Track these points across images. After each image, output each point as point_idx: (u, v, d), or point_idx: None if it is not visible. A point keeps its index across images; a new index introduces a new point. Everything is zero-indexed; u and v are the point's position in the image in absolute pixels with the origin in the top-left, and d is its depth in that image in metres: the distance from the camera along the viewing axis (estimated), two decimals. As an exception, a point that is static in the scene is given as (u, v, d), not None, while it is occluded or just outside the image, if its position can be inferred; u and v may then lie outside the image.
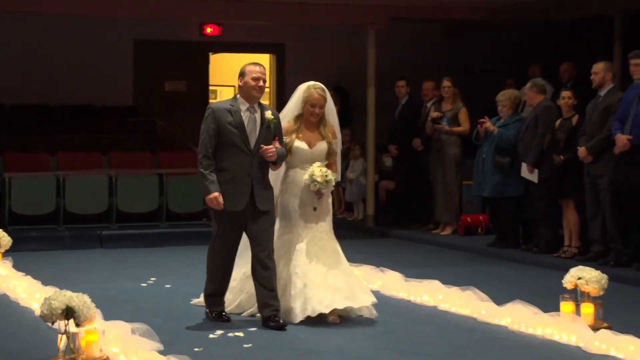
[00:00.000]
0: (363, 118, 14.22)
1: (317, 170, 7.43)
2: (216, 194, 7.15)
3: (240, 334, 7.08)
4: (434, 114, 12.61)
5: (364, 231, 13.81)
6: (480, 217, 12.84)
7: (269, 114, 7.32)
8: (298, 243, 7.57)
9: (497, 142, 11.33)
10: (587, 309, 7.17)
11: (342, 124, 15.54)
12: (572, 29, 14.52)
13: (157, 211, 12.93)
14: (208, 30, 15.25)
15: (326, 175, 7.42)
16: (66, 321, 5.95)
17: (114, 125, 15.23)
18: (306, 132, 7.66)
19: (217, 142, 7.23)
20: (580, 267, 7.37)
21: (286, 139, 7.55)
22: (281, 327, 7.16)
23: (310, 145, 7.62)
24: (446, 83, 12.69)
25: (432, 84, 13.10)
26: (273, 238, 7.49)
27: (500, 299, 7.84)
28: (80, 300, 5.96)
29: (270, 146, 7.22)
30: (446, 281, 8.66)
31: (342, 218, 14.63)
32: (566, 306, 7.21)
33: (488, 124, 11.40)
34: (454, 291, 8.30)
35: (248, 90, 7.28)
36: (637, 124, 9.51)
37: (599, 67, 10.12)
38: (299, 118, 7.69)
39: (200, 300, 7.94)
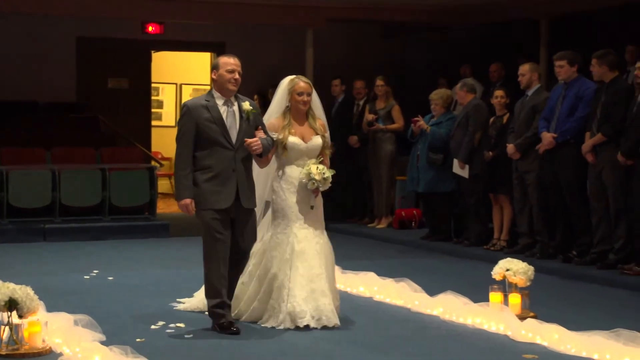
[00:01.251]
0: (301, 115, 14.19)
1: (314, 168, 7.06)
2: (188, 200, 6.67)
3: (182, 325, 7.05)
4: (368, 117, 12.70)
5: (302, 225, 13.79)
6: (414, 212, 12.94)
7: (246, 105, 6.86)
8: (296, 243, 7.04)
9: (430, 139, 11.42)
10: (515, 299, 7.27)
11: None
12: (501, 32, 14.67)
13: (100, 205, 12.80)
14: (150, 28, 15.12)
15: (324, 173, 7.08)
16: (9, 313, 5.90)
17: (57, 122, 15.04)
18: (297, 126, 7.22)
19: (197, 140, 6.72)
20: (508, 259, 7.46)
21: (279, 136, 7.10)
22: (237, 332, 6.74)
23: (305, 140, 7.20)
24: (379, 82, 12.77)
25: (362, 83, 13.20)
26: (254, 239, 7.04)
27: (432, 290, 7.91)
28: (23, 292, 5.91)
29: (254, 138, 6.77)
30: (381, 273, 8.73)
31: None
32: (495, 296, 7.28)
33: (421, 122, 11.48)
34: (388, 282, 8.36)
35: (223, 84, 6.79)
36: (561, 123, 9.66)
37: (525, 69, 10.25)
38: (287, 112, 7.26)
39: (186, 306, 7.63)
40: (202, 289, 7.12)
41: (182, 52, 17.48)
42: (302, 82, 7.24)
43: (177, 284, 8.94)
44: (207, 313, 6.93)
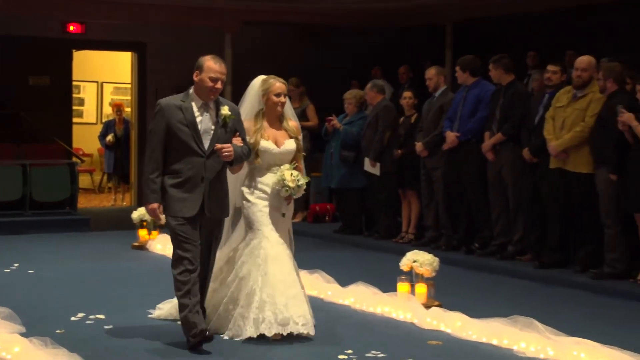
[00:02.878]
0: (220, 114, 14.15)
1: (288, 174, 6.36)
2: (155, 205, 6.02)
3: (102, 316, 6.98)
4: None
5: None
6: (328, 206, 13.00)
7: (225, 110, 6.07)
8: (269, 248, 6.35)
9: (342, 138, 11.49)
10: (421, 288, 7.37)
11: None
12: (410, 36, 14.83)
13: (20, 200, 12.55)
14: (71, 28, 14.85)
15: (298, 180, 6.36)
16: None
17: (-22, 119, 14.73)
18: (270, 129, 6.50)
19: (167, 142, 6.01)
20: (415, 251, 7.56)
21: (250, 140, 6.35)
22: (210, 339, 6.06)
23: (277, 144, 6.47)
24: (291, 86, 12.78)
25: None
26: (215, 254, 6.36)
27: (344, 281, 7.98)
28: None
29: (227, 144, 6.02)
30: (295, 265, 8.75)
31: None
32: (402, 286, 7.39)
33: (335, 121, 11.55)
34: (302, 274, 8.32)
35: (203, 90, 6.04)
36: (463, 123, 9.84)
37: (431, 72, 10.42)
38: (259, 115, 6.52)
39: (160, 313, 6.97)
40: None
41: (103, 52, 17.24)
42: (279, 83, 6.54)
43: (97, 277, 8.85)
44: (179, 323, 6.26)
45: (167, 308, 6.92)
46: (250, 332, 6.18)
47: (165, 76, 15.30)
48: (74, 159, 14.03)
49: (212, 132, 6.06)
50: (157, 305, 7.12)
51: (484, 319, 6.59)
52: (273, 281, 6.26)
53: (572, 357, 5.83)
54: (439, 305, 7.17)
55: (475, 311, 6.93)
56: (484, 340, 6.35)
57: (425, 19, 13.51)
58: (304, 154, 6.78)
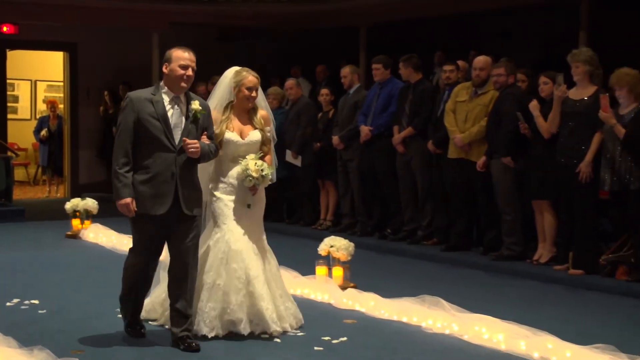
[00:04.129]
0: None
1: (252, 164, 5.75)
2: (128, 199, 5.38)
3: (36, 302, 6.85)
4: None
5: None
6: (251, 196, 12.94)
7: (195, 105, 5.51)
8: (232, 242, 5.78)
9: (264, 131, 11.46)
10: (337, 271, 7.41)
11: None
12: (327, 37, 14.87)
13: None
14: (5, 29, 14.48)
15: (262, 170, 5.75)
16: None
17: None
18: (236, 121, 5.91)
19: (136, 136, 5.42)
20: (332, 237, 7.59)
21: (215, 130, 5.80)
22: (195, 350, 5.47)
23: (242, 136, 5.88)
24: (211, 85, 12.80)
25: (204, 86, 13.18)
26: (197, 249, 5.68)
27: (265, 265, 7.97)
28: None
29: (194, 140, 5.47)
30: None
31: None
32: (320, 270, 7.43)
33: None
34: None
35: (174, 80, 5.50)
36: (376, 118, 9.93)
37: (346, 71, 10.48)
38: (228, 107, 5.94)
39: (147, 316, 6.15)
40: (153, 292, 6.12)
41: (36, 51, 16.88)
42: (252, 76, 5.91)
43: (31, 265, 8.69)
44: (151, 323, 6.04)
45: (160, 312, 6.15)
46: (205, 330, 5.73)
47: (96, 74, 15.11)
48: (9, 153, 13.74)
49: (182, 126, 5.49)
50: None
51: (395, 299, 6.68)
52: (231, 278, 5.74)
53: (475, 332, 5.94)
54: (354, 287, 7.21)
55: (387, 291, 7.00)
56: (394, 318, 6.44)
57: (341, 21, 13.57)
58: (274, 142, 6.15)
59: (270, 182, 5.96)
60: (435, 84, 10.61)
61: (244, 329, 5.76)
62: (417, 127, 9.51)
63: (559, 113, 8.04)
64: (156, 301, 6.12)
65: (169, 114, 5.48)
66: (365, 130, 9.93)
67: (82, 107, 15.40)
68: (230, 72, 6.00)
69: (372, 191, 10.17)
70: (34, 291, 7.28)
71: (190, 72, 5.51)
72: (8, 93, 16.05)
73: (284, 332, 5.92)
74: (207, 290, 5.76)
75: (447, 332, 6.07)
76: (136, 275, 5.69)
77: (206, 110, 5.66)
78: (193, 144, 5.45)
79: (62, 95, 16.42)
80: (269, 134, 6.03)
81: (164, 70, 5.56)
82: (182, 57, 5.52)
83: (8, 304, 6.78)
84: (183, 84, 5.51)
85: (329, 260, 7.46)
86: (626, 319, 6.66)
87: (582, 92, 8.00)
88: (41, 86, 18.54)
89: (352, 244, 7.46)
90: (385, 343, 5.81)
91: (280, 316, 5.93)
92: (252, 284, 5.77)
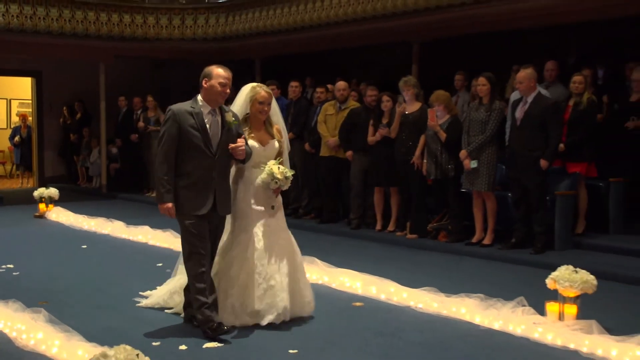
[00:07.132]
0: (97, 122, 13.66)
1: (276, 168, 4.85)
2: (169, 204, 4.57)
3: (11, 266, 6.51)
4: (141, 124, 12.43)
5: (99, 195, 13.18)
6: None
7: (229, 116, 4.72)
8: (257, 242, 4.82)
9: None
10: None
11: (85, 126, 14.50)
12: (229, 67, 14.69)
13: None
14: (-16, 59, 13.72)
15: (285, 172, 4.86)
16: None
17: None
18: (255, 131, 4.98)
19: (179, 145, 4.60)
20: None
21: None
22: (225, 332, 4.56)
23: (262, 143, 4.96)
24: (149, 98, 12.59)
25: (139, 99, 12.95)
26: (217, 248, 4.86)
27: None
28: None
29: (239, 143, 4.69)
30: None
31: (86, 187, 13.91)
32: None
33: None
34: (158, 233, 8.19)
35: (213, 95, 4.67)
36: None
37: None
38: (246, 119, 5.00)
39: (148, 302, 5.31)
40: (164, 285, 5.38)
41: (7, 77, 16.12)
42: (264, 92, 4.98)
43: (6, 238, 8.27)
44: (167, 311, 5.12)
45: (155, 297, 5.33)
46: (268, 319, 4.80)
47: (57, 94, 14.58)
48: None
49: (219, 135, 4.68)
50: (144, 293, 5.59)
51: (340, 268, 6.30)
52: (253, 274, 4.80)
53: (339, 282, 5.97)
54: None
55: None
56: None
57: (241, 55, 13.45)
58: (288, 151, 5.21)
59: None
60: (310, 101, 10.62)
61: (268, 319, 4.79)
62: (296, 133, 9.53)
63: (399, 123, 8.18)
64: (173, 290, 5.21)
65: (208, 124, 4.65)
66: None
67: (47, 119, 14.83)
68: (247, 88, 5.05)
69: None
70: (10, 258, 7.00)
71: (227, 90, 4.70)
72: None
73: (301, 321, 4.94)
74: (239, 287, 4.81)
75: (320, 282, 6.02)
76: (205, 277, 4.61)
77: (237, 120, 4.82)
78: (240, 146, 4.69)
79: (30, 110, 15.73)
80: (283, 146, 5.11)
81: (204, 84, 4.70)
82: (222, 76, 4.68)
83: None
84: (221, 99, 4.72)
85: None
86: (447, 271, 6.77)
87: (411, 107, 8.17)
88: (15, 103, 17.77)
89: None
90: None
91: (298, 305, 4.98)
92: (274, 277, 4.81)
